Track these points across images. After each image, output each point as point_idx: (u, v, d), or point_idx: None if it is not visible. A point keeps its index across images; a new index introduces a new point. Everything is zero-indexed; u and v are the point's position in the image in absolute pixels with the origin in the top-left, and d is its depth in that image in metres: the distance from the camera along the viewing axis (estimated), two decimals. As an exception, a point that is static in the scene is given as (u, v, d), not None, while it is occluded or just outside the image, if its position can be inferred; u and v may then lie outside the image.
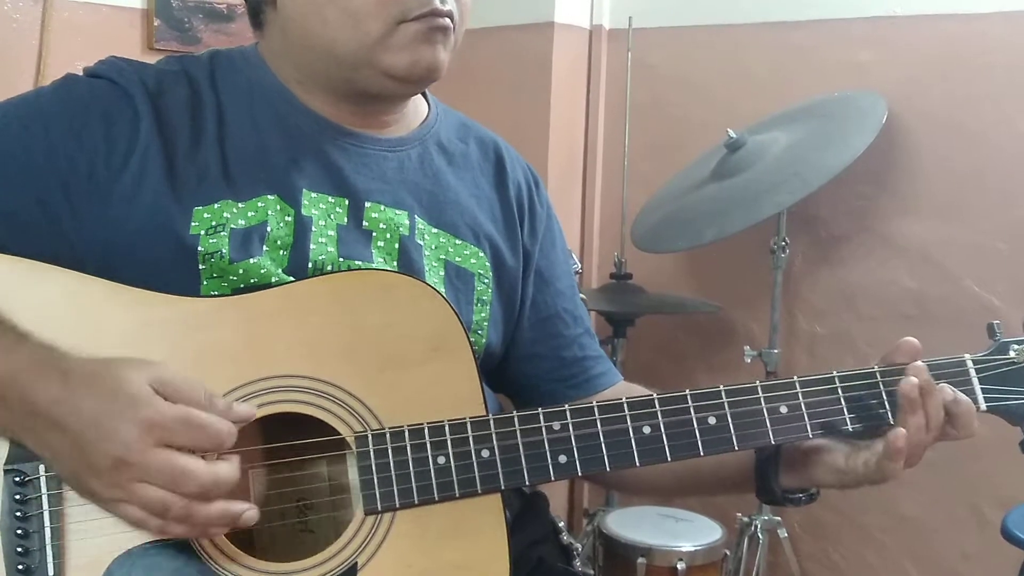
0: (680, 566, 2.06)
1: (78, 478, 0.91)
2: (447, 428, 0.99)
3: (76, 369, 0.91)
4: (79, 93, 1.08)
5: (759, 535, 2.36)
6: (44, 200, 1.03)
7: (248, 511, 0.92)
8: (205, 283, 1.04)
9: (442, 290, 1.10)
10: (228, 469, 0.91)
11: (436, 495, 0.98)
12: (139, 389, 0.89)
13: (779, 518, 2.39)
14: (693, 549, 2.09)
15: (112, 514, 0.91)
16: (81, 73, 1.11)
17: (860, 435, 1.06)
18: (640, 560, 2.07)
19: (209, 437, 0.90)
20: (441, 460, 0.99)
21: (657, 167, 2.70)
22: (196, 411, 0.90)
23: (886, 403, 1.05)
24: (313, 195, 1.10)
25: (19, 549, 0.93)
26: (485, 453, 0.99)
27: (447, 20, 1.07)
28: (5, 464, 0.94)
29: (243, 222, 1.06)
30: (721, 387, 1.03)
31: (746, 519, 2.38)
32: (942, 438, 1.04)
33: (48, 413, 0.89)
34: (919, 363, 1.04)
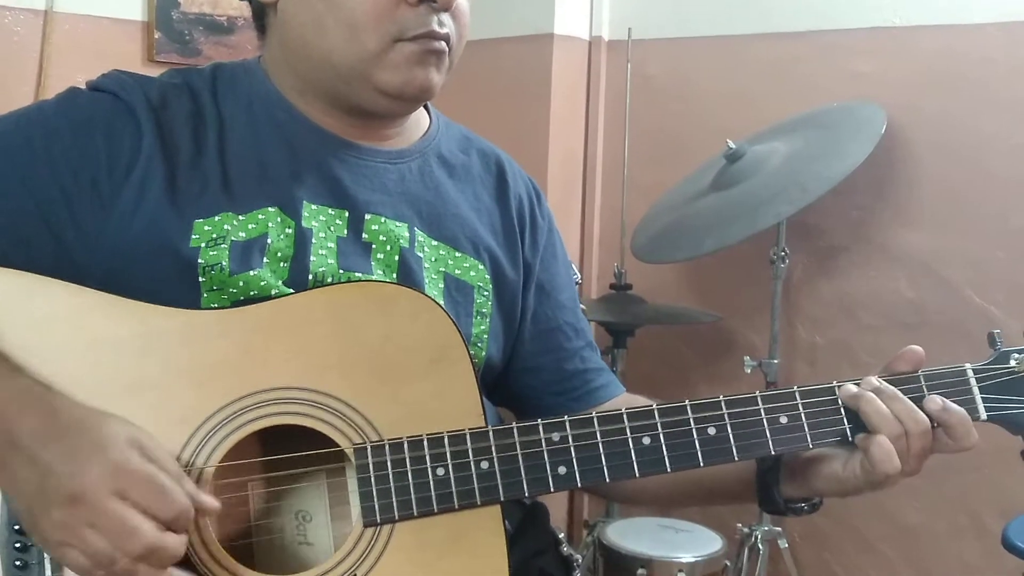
0: (680, 577, 2.06)
1: (32, 514, 0.88)
2: (446, 440, 0.99)
3: (64, 410, 0.91)
4: (82, 106, 1.08)
5: (759, 546, 2.35)
6: (47, 213, 1.03)
7: None
8: (205, 296, 1.04)
9: (441, 303, 1.10)
10: (176, 542, 0.89)
11: (435, 507, 0.98)
12: (116, 437, 0.89)
13: (779, 528, 2.38)
14: (693, 560, 2.09)
15: (58, 559, 0.89)
16: (84, 86, 1.11)
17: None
18: (640, 571, 2.07)
19: (167, 504, 0.88)
20: (440, 472, 0.98)
21: (657, 178, 2.70)
22: (163, 476, 0.89)
23: None
24: (313, 207, 1.10)
25: (17, 563, 0.93)
26: (484, 465, 0.99)
27: (443, 44, 1.08)
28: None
29: (243, 234, 1.06)
30: (721, 397, 1.03)
31: (746, 529, 2.37)
32: (941, 449, 1.04)
33: (28, 446, 0.88)
34: (871, 377, 1.04)
